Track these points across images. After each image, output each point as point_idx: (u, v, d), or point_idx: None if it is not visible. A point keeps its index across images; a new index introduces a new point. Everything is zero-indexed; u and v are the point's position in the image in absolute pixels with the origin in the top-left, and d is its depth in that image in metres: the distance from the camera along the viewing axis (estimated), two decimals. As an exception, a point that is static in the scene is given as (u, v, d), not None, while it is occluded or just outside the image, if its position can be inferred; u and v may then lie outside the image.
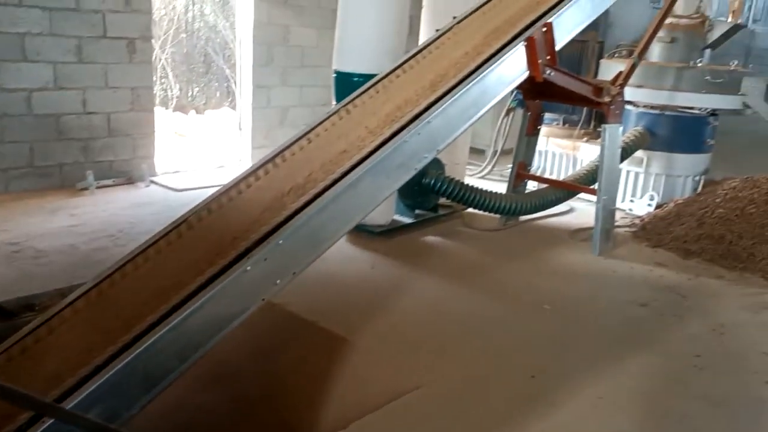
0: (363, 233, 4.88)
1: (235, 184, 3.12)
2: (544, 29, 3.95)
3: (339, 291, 4.02)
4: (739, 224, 5.14)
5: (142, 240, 2.82)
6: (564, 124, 6.79)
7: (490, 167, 7.16)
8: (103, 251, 4.33)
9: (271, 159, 3.26)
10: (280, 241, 2.54)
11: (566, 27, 4.18)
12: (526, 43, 3.84)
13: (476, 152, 7.51)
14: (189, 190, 5.84)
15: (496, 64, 3.70)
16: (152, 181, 6.05)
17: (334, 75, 4.62)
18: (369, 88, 3.72)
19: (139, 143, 5.99)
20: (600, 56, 6.64)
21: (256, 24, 6.39)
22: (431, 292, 4.11)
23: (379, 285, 4.16)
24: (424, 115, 3.41)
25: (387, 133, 3.23)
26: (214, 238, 2.68)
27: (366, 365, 3.16)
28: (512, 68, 3.88)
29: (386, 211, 5.00)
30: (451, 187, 5.00)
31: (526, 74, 3.97)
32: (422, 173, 5.05)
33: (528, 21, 4.07)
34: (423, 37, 5.34)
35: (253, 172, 3.21)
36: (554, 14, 4.04)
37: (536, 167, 6.93)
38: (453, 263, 4.65)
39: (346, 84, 4.39)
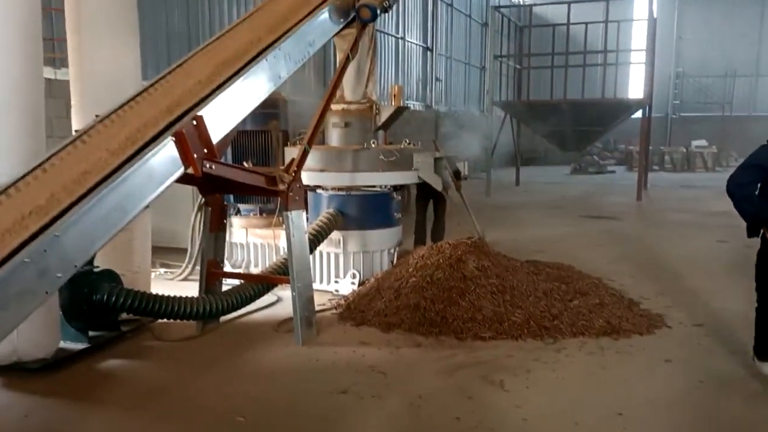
0: (16, 372, 4.01)
1: None
2: (195, 122, 3.73)
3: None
4: (430, 290, 5.37)
5: None
6: (261, 213, 6.65)
7: (190, 268, 6.68)
8: None
9: (3, 191, 3.13)
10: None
11: (222, 118, 4.01)
12: (174, 139, 3.57)
13: (180, 252, 7.00)
14: None
15: (139, 162, 3.36)
16: None
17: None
18: (104, 119, 3.69)
19: None
20: (285, 144, 6.71)
21: None
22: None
23: (36, 438, 3.40)
24: (51, 228, 2.93)
25: (129, 152, 3.43)
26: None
27: None
28: (165, 165, 3.57)
29: (47, 340, 4.15)
30: (130, 299, 4.44)
31: (182, 170, 3.69)
32: (92, 289, 4.42)
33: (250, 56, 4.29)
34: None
35: None
36: (203, 106, 3.85)
37: (240, 260, 6.66)
38: (137, 390, 4.00)
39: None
